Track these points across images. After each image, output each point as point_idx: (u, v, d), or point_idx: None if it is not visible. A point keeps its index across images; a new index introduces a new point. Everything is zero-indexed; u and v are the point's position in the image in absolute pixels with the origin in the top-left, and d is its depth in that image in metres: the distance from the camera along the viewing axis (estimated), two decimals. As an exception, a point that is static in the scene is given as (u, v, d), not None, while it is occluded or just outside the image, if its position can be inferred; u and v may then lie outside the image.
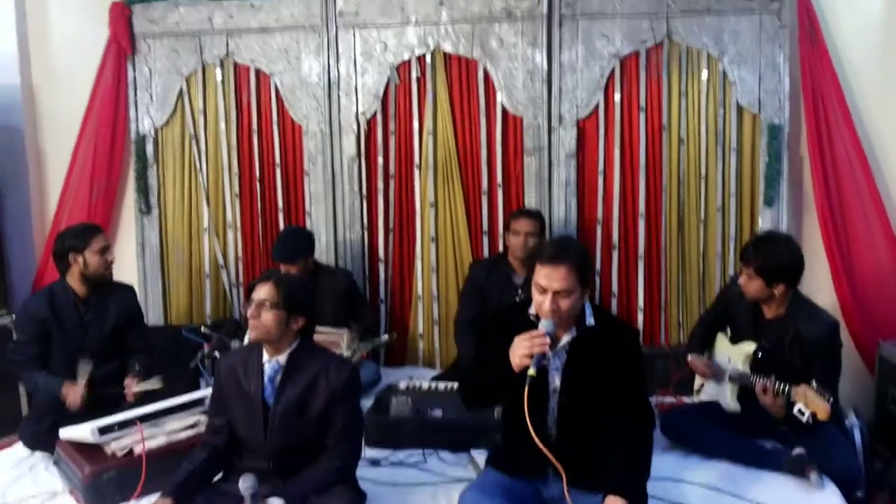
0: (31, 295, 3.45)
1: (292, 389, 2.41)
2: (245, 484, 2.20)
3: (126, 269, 4.15)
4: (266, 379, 2.43)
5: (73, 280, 3.26)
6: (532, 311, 2.38)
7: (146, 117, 4.31)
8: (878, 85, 3.78)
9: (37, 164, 4.49)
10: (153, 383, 3.19)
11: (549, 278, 2.26)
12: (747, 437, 2.98)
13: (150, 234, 4.37)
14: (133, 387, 3.18)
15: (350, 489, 2.43)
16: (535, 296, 2.32)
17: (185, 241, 4.38)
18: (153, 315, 4.30)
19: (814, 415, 2.67)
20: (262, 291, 2.39)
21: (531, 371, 2.20)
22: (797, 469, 2.75)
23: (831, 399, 2.66)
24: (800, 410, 2.69)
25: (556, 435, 2.40)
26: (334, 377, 2.40)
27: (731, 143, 3.89)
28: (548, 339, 2.24)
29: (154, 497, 2.60)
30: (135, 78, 4.28)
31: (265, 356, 2.44)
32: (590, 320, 2.40)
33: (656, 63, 3.91)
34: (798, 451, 2.79)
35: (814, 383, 2.70)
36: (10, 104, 4.29)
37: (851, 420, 3.20)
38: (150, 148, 4.32)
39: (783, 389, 2.80)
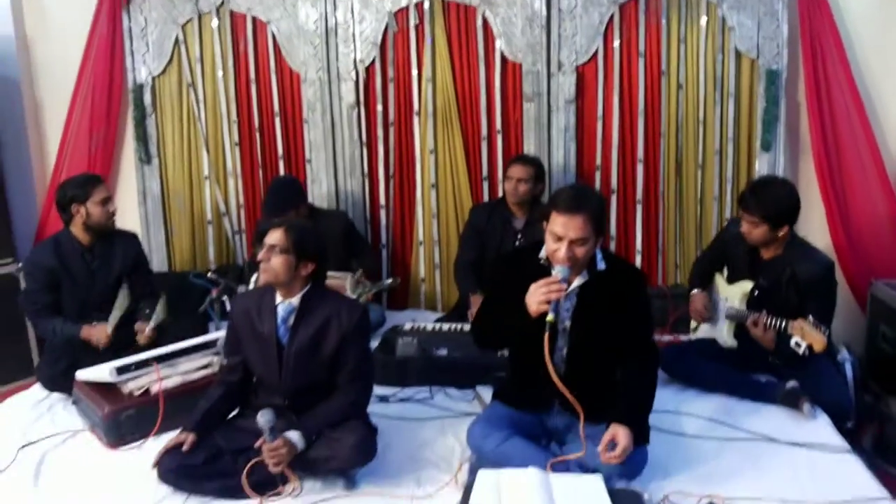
0: (37, 245, 3.49)
1: (305, 331, 2.48)
2: (263, 418, 2.29)
3: (128, 217, 4.19)
4: (279, 320, 2.49)
5: (77, 230, 3.30)
6: (542, 255, 2.45)
7: (142, 66, 4.29)
8: (876, 31, 3.80)
9: (34, 114, 4.47)
10: (159, 314, 3.24)
11: (565, 227, 2.31)
12: (742, 372, 3.09)
13: (151, 183, 4.39)
14: (145, 330, 3.24)
15: (363, 424, 2.51)
16: (550, 243, 2.37)
17: (186, 189, 4.40)
18: (157, 262, 4.34)
19: (810, 347, 2.76)
20: (273, 237, 2.45)
21: (550, 317, 2.27)
22: (790, 401, 2.87)
23: (827, 331, 2.75)
24: (797, 343, 2.79)
25: (565, 371, 2.47)
26: (346, 319, 2.47)
27: (730, 89, 3.92)
28: (564, 286, 2.30)
29: (171, 434, 2.70)
30: (130, 27, 4.24)
31: (278, 298, 2.50)
32: (601, 265, 2.47)
33: (655, 9, 3.91)
34: (792, 384, 2.91)
35: (810, 317, 2.79)
36: (4, 55, 4.26)
37: (843, 355, 3.31)
38: (147, 97, 4.31)
39: (776, 324, 2.89)
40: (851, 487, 2.33)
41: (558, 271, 2.32)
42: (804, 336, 2.77)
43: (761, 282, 3.05)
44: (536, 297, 2.30)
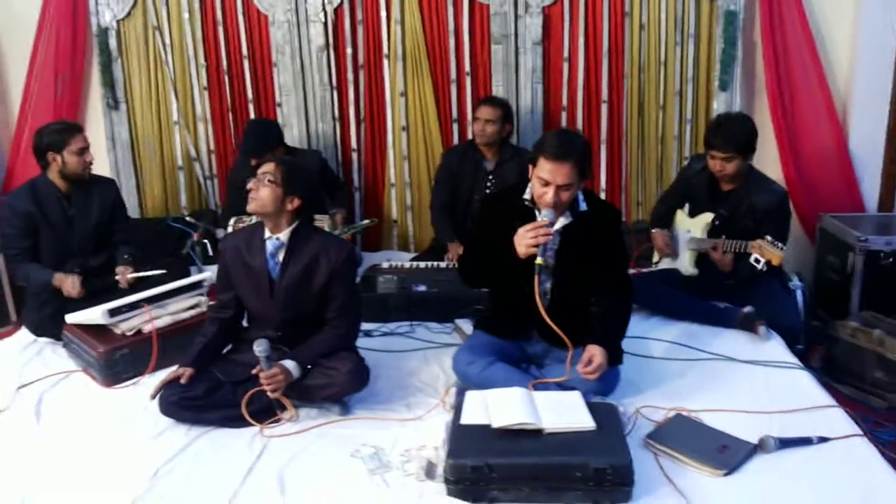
0: (14, 190, 3.48)
1: (295, 266, 2.58)
2: (259, 347, 2.41)
3: (98, 164, 4.07)
4: (268, 255, 2.59)
5: (54, 176, 3.30)
6: (527, 196, 2.58)
7: (106, 10, 4.22)
8: (827, -28, 3.96)
9: (-6, 60, 4.39)
10: (154, 271, 3.31)
11: (552, 174, 2.43)
12: (703, 299, 3.31)
13: (120, 129, 4.37)
14: (127, 274, 3.29)
15: (354, 354, 2.66)
16: (537, 187, 2.49)
17: (156, 134, 4.40)
18: (129, 209, 4.24)
19: (768, 262, 2.99)
20: (266, 167, 2.54)
21: (539, 260, 2.42)
22: (747, 325, 3.10)
23: (784, 248, 2.98)
24: (756, 259, 3.02)
25: (549, 305, 2.62)
26: (334, 255, 2.58)
27: (690, 30, 4.05)
28: (551, 230, 2.45)
29: (165, 372, 2.81)
30: (91, -32, 4.18)
31: (266, 233, 2.60)
32: (583, 206, 2.61)
33: (619, -50, 4.01)
34: (748, 309, 3.14)
35: (767, 237, 3.01)
36: (-42, -1, 4.16)
37: (794, 283, 3.56)
38: (112, 41, 4.26)
39: (735, 247, 3.12)
40: (804, 398, 2.56)
41: (545, 215, 2.46)
42: (762, 253, 3.00)
43: (721, 212, 3.25)
44: (525, 240, 2.44)
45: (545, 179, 2.44)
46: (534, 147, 2.55)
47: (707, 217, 3.30)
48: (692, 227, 3.36)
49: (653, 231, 3.55)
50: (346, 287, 2.64)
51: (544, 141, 2.51)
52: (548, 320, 2.46)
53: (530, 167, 2.53)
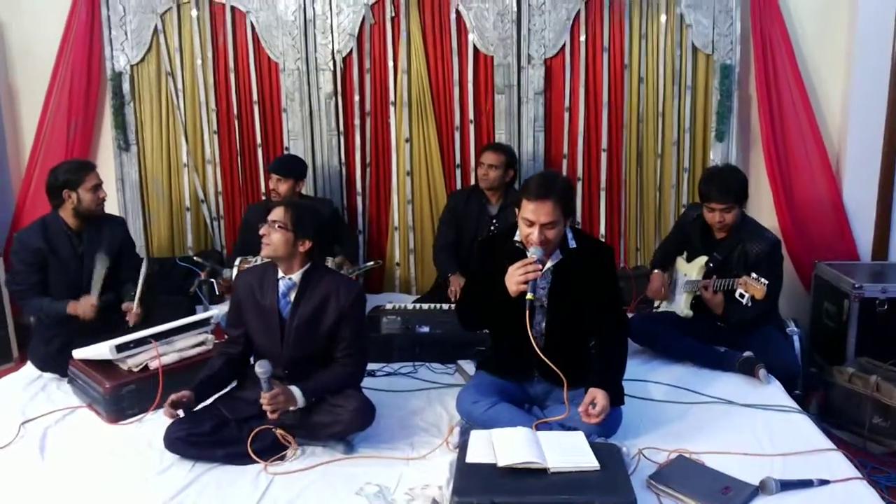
0: (25, 227, 3.53)
1: (306, 306, 2.63)
2: (261, 368, 2.45)
3: (106, 204, 4.21)
4: (280, 294, 2.64)
5: (66, 214, 3.36)
6: (517, 238, 2.66)
7: (121, 55, 4.35)
8: (820, 29, 4.11)
9: (9, 100, 4.50)
10: (140, 282, 3.34)
11: (536, 213, 2.52)
12: (701, 341, 3.36)
13: (130, 170, 4.46)
14: (133, 310, 3.33)
15: (360, 393, 2.69)
16: (523, 227, 2.58)
17: (165, 176, 4.49)
18: (136, 248, 4.40)
19: (752, 298, 3.07)
20: (275, 213, 2.61)
21: (529, 296, 2.48)
22: (747, 368, 3.15)
23: (767, 283, 3.04)
24: (741, 294, 3.11)
25: (544, 343, 2.69)
26: (344, 296, 2.63)
27: (687, 82, 4.19)
28: (540, 266, 2.52)
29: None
30: (108, 16, 4.30)
31: (279, 273, 2.65)
32: (572, 243, 2.68)
33: (619, 6, 4.15)
34: (747, 353, 3.19)
35: (753, 274, 3.09)
36: (-23, 40, 4.28)
37: (791, 329, 3.61)
38: (126, 85, 4.37)
39: (724, 285, 3.20)
40: (804, 442, 2.59)
41: (533, 252, 2.53)
42: (747, 288, 3.08)
43: (716, 255, 3.34)
44: (515, 277, 2.50)
45: (529, 219, 2.54)
46: (519, 190, 2.64)
47: (702, 260, 3.38)
48: (688, 270, 3.44)
49: (653, 272, 3.63)
50: (355, 327, 2.68)
51: (527, 183, 2.62)
52: (541, 355, 2.50)
53: (516, 210, 2.62)
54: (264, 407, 2.47)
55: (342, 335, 2.64)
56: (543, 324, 2.70)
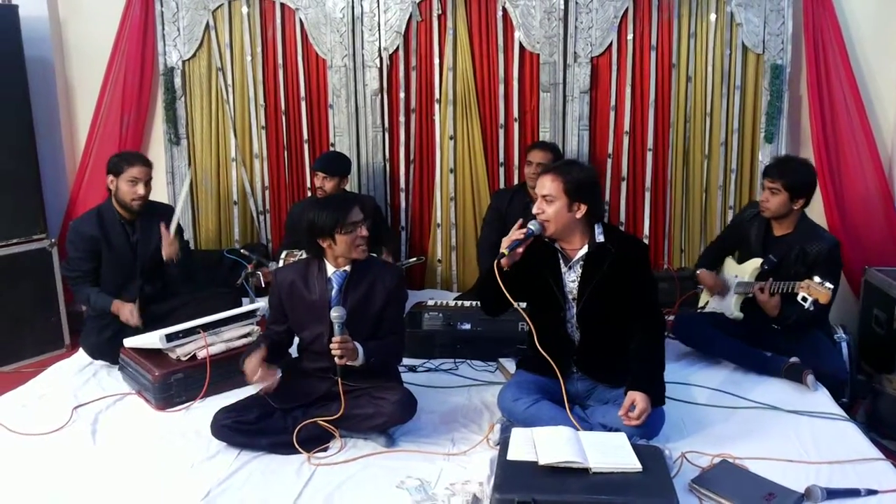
0: (81, 216, 3.64)
1: (354, 294, 2.67)
2: (336, 313, 2.52)
3: (157, 196, 4.29)
4: (335, 287, 2.68)
5: (115, 203, 3.46)
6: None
7: (174, 50, 4.45)
8: (875, 29, 4.02)
9: (66, 95, 4.62)
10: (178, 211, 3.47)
11: (539, 185, 2.66)
12: (749, 344, 3.31)
13: (180, 163, 4.56)
14: (168, 236, 3.40)
15: (401, 385, 2.73)
16: None
17: (213, 169, 4.58)
18: None
19: (815, 302, 2.98)
20: (359, 212, 2.65)
21: (503, 249, 2.57)
22: (793, 374, 3.10)
23: (832, 287, 2.97)
24: (803, 298, 3.01)
25: (579, 339, 2.72)
26: (389, 280, 2.71)
27: (736, 82, 4.13)
28: (527, 230, 2.58)
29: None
30: (162, 12, 4.40)
31: (330, 268, 2.69)
32: (600, 238, 2.69)
33: (668, 4, 4.11)
34: (794, 359, 3.14)
35: (815, 277, 3.01)
36: (38, 36, 4.37)
37: (839, 335, 3.53)
38: (177, 80, 4.47)
39: (782, 288, 3.12)
40: (850, 450, 2.55)
41: (530, 224, 2.61)
42: (810, 292, 2.99)
43: (771, 257, 3.28)
44: (504, 242, 2.59)
45: (535, 192, 2.65)
46: None
47: (755, 262, 3.32)
48: (740, 272, 3.38)
49: (698, 271, 3.57)
50: (398, 309, 2.81)
51: None
52: (540, 350, 2.59)
53: None
54: (333, 351, 2.52)
55: (388, 316, 2.72)
56: (575, 317, 2.71)
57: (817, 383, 3.05)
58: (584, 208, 2.62)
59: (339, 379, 2.59)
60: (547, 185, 2.61)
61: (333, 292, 2.67)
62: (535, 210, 2.64)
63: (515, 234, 2.58)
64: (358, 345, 2.57)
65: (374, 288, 2.68)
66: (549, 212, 2.61)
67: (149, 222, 3.52)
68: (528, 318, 2.68)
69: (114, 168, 3.42)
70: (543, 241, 2.69)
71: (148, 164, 3.48)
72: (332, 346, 2.52)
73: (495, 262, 2.58)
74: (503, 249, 2.56)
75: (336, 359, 2.53)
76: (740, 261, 3.44)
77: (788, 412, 2.86)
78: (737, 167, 4.21)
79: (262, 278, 3.65)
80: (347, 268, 2.68)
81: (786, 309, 3.15)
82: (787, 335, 3.23)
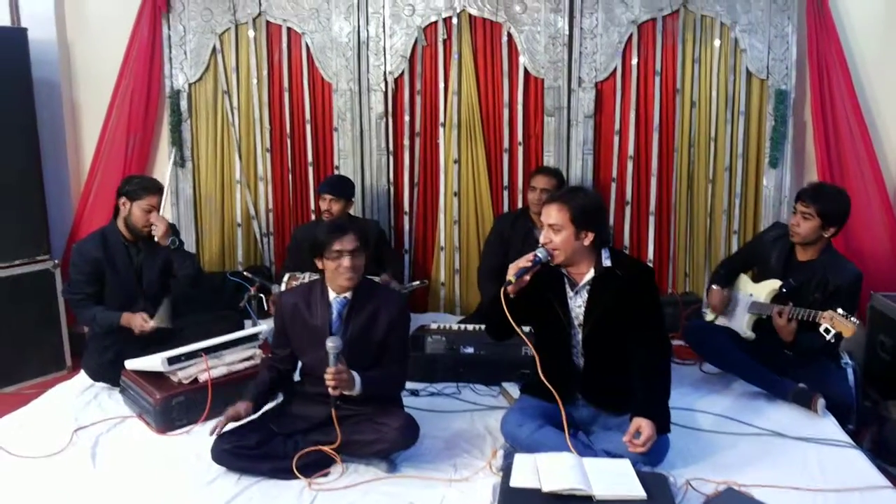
0: (84, 237, 3.64)
1: (357, 321, 2.66)
2: (332, 343, 2.48)
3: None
4: (335, 314, 2.67)
5: (121, 223, 3.46)
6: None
7: (180, 73, 4.48)
8: (879, 55, 4.04)
9: (72, 117, 4.65)
10: (161, 315, 3.34)
11: (545, 214, 2.65)
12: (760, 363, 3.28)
13: (185, 185, 4.57)
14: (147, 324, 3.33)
15: (404, 411, 2.71)
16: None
17: (218, 192, 4.59)
18: None
19: (838, 334, 2.95)
20: (350, 242, 2.60)
21: (509, 277, 2.55)
22: (802, 399, 3.07)
23: (857, 323, 2.93)
24: (826, 329, 2.97)
25: (584, 364, 2.70)
26: (392, 307, 2.68)
27: (740, 107, 4.14)
28: (534, 258, 2.57)
29: (216, 422, 2.87)
30: (169, 35, 4.44)
31: (331, 293, 2.68)
32: (606, 262, 2.68)
33: (672, 30, 4.14)
34: (803, 385, 3.11)
35: (839, 310, 2.97)
36: (46, 58, 4.40)
37: (846, 360, 3.50)
38: (183, 103, 4.50)
39: (802, 315, 3.08)
40: (857, 478, 2.52)
41: (538, 251, 2.61)
42: (833, 324, 2.95)
43: (791, 281, 3.25)
44: (511, 268, 2.58)
45: (543, 220, 2.65)
46: None
47: (774, 283, 3.29)
48: (756, 291, 3.35)
49: (712, 287, 3.54)
50: (401, 337, 2.75)
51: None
52: (540, 375, 2.56)
53: None
54: (328, 382, 2.48)
55: (391, 344, 2.69)
56: (580, 342, 2.69)
57: (826, 410, 3.02)
58: (591, 236, 2.62)
59: (334, 410, 2.56)
60: (553, 215, 2.60)
61: (334, 318, 2.66)
62: (542, 239, 2.63)
63: (522, 261, 2.57)
64: (356, 375, 2.54)
65: (377, 316, 2.66)
66: (557, 241, 2.60)
67: (152, 245, 3.52)
68: (532, 347, 2.66)
69: (131, 193, 3.41)
70: (550, 267, 2.68)
71: (162, 192, 3.50)
72: (326, 376, 2.48)
73: (502, 289, 2.56)
74: (510, 277, 2.54)
75: (330, 389, 2.49)
76: (756, 280, 3.42)
77: (795, 439, 2.83)
78: (741, 192, 4.21)
79: (265, 301, 3.65)
80: (348, 295, 2.67)
81: (800, 336, 3.11)
82: (796, 360, 3.19)
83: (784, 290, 3.25)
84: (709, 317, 3.60)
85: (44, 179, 4.36)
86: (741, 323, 3.37)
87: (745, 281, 3.48)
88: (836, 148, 4.02)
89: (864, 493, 2.42)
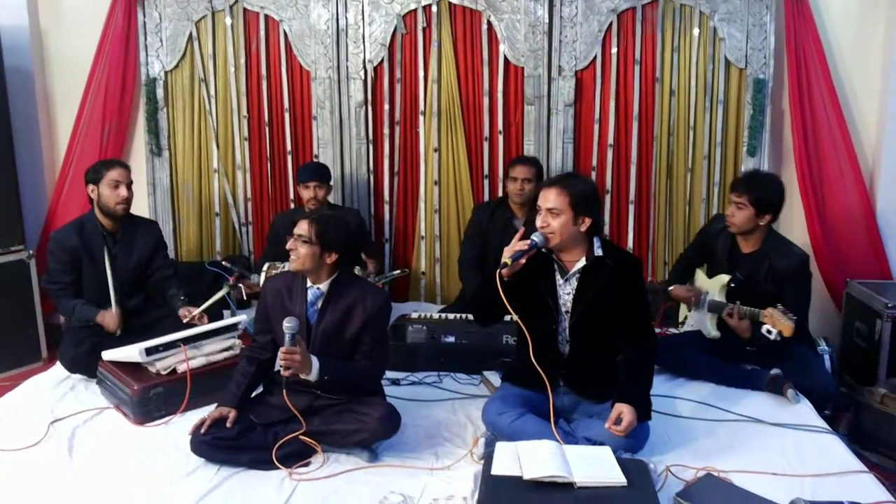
0: (63, 226, 3.59)
1: (332, 314, 2.64)
2: (289, 324, 2.46)
3: (137, 207, 4.23)
4: (308, 303, 2.66)
5: (98, 212, 3.43)
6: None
7: (156, 61, 4.42)
8: (855, 44, 4.07)
9: (46, 105, 4.57)
10: (212, 302, 3.41)
11: (543, 198, 2.63)
12: (728, 361, 3.30)
13: (161, 175, 4.52)
14: (193, 312, 3.34)
15: (385, 400, 2.70)
16: (537, 216, 2.66)
17: (195, 181, 4.54)
18: None
19: (780, 333, 2.98)
20: (300, 227, 2.61)
21: (505, 259, 2.55)
22: (775, 387, 3.10)
23: (795, 318, 2.96)
24: (768, 330, 3.01)
25: (568, 353, 2.71)
26: (370, 304, 2.63)
27: (719, 96, 4.16)
28: (530, 242, 2.57)
29: (197, 412, 2.86)
30: (144, 23, 4.37)
31: (308, 282, 2.67)
32: (598, 251, 2.68)
33: (651, 19, 4.14)
34: (775, 371, 3.14)
35: (779, 306, 3.02)
36: (18, 46, 4.31)
37: (822, 347, 3.55)
38: (160, 91, 4.43)
39: (749, 314, 3.12)
40: (834, 463, 2.55)
41: (534, 235, 2.60)
42: (774, 323, 2.99)
43: (737, 274, 3.27)
44: (507, 251, 2.57)
45: (539, 204, 2.64)
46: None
47: (723, 279, 3.31)
48: (709, 286, 3.38)
49: (670, 288, 3.57)
50: (377, 334, 2.68)
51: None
52: (535, 363, 2.56)
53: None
54: (279, 362, 2.47)
55: (364, 340, 2.65)
56: (567, 330, 2.70)
57: (798, 395, 3.05)
58: (588, 222, 2.62)
59: (285, 391, 2.57)
60: (552, 199, 2.59)
61: (309, 308, 2.65)
62: (539, 223, 2.61)
63: (519, 244, 2.56)
64: (315, 359, 2.53)
65: (352, 310, 2.62)
66: (555, 225, 2.59)
67: (130, 235, 3.50)
68: (525, 330, 2.65)
69: (93, 176, 3.39)
70: (541, 253, 2.68)
71: (126, 167, 3.48)
72: (279, 356, 2.47)
73: (497, 271, 2.54)
74: (506, 259, 2.54)
75: (282, 370, 2.49)
76: (710, 274, 3.44)
77: (772, 425, 2.85)
78: (720, 181, 4.23)
79: (244, 291, 3.61)
80: (322, 286, 2.65)
81: (757, 333, 3.12)
82: (771, 351, 3.20)
83: (733, 284, 3.27)
84: (682, 312, 3.62)
85: (17, 169, 4.30)
86: (706, 323, 3.39)
87: (700, 277, 3.50)
88: (814, 136, 4.05)
89: (840, 478, 2.45)
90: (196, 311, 3.34)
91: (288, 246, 2.63)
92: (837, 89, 4.02)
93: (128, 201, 3.43)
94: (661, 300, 3.91)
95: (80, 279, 3.40)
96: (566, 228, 2.60)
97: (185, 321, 3.31)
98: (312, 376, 2.53)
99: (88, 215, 3.45)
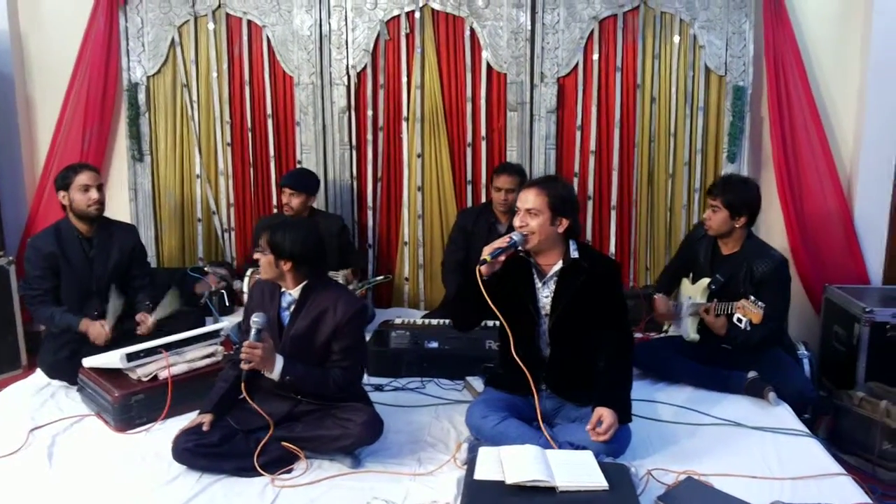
0: (39, 232, 3.56)
1: (303, 320, 2.63)
2: (258, 318, 2.50)
3: (119, 213, 4.24)
4: (281, 308, 2.68)
5: (73, 217, 3.40)
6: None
7: (138, 66, 4.40)
8: (833, 52, 4.13)
9: (26, 110, 4.55)
10: (165, 307, 3.36)
11: (522, 199, 2.68)
12: (710, 366, 3.33)
13: (143, 180, 4.50)
14: (148, 320, 3.35)
15: (368, 406, 2.69)
16: (516, 217, 2.71)
17: (177, 187, 4.52)
18: None
19: (750, 321, 3.04)
20: (261, 241, 2.66)
21: (484, 256, 2.58)
22: (755, 391, 3.13)
23: (763, 307, 3.01)
24: (738, 319, 3.08)
25: (549, 355, 2.73)
26: (341, 311, 2.60)
27: (699, 103, 4.20)
28: (510, 240, 2.61)
29: (178, 418, 2.84)
30: (126, 28, 4.36)
31: (283, 287, 2.68)
32: (574, 254, 2.72)
33: (632, 26, 4.18)
34: (752, 374, 3.18)
35: (751, 297, 3.07)
36: (-2, 50, 4.33)
37: (801, 352, 3.59)
38: (141, 96, 4.42)
39: (725, 309, 3.17)
40: (812, 465, 2.57)
41: (513, 234, 2.65)
42: (744, 312, 3.05)
43: (717, 276, 3.32)
44: (486, 249, 2.60)
45: (518, 205, 2.70)
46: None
47: (705, 282, 3.35)
48: (693, 292, 3.42)
49: (655, 295, 3.60)
50: (348, 341, 2.63)
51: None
52: (519, 362, 2.56)
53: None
54: (241, 354, 2.50)
55: (334, 349, 2.63)
56: (547, 332, 2.72)
57: (778, 399, 3.08)
58: (565, 223, 2.66)
59: (244, 384, 2.58)
60: (531, 199, 2.63)
61: (283, 312, 2.67)
62: (517, 223, 2.66)
63: (498, 242, 2.60)
64: (280, 359, 2.55)
65: (323, 317, 2.61)
66: (533, 225, 2.63)
67: (107, 238, 3.47)
68: (507, 327, 2.64)
69: (62, 183, 3.36)
70: (518, 256, 2.71)
71: (95, 170, 3.45)
72: (243, 349, 2.50)
73: (476, 268, 2.57)
74: (485, 256, 2.57)
75: (242, 363, 2.51)
76: (694, 281, 3.48)
77: (752, 428, 2.88)
78: (700, 187, 4.27)
79: (226, 297, 3.60)
80: (293, 293, 2.66)
81: (732, 329, 3.17)
82: (748, 354, 3.24)
83: (713, 286, 3.32)
84: (665, 325, 3.66)
85: (-3, 174, 4.27)
86: (686, 327, 3.42)
87: (685, 285, 3.53)
88: (792, 143, 4.11)
89: (819, 481, 2.47)
90: (150, 321, 3.34)
91: (255, 256, 2.67)
92: (815, 96, 4.08)
93: (100, 202, 3.40)
94: (644, 307, 3.94)
95: (59, 286, 3.37)
96: (544, 229, 2.64)
97: (137, 327, 3.33)
98: (275, 375, 2.54)
99: (65, 221, 3.42)
